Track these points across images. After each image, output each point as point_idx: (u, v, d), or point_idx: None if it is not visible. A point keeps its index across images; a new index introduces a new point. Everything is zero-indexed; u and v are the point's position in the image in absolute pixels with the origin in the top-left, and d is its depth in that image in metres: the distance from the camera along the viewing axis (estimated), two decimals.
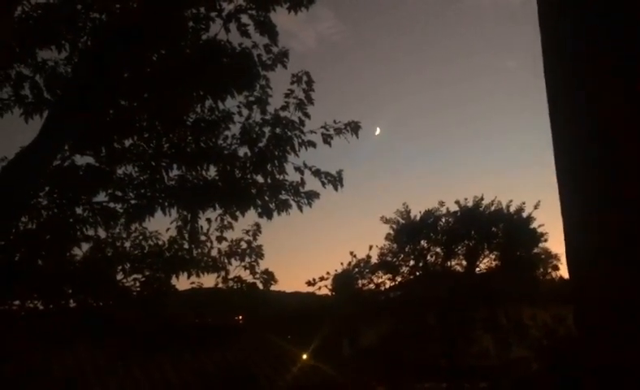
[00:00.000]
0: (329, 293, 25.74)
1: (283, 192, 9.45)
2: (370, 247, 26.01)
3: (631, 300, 1.86)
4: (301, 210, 9.51)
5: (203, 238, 10.19)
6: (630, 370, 1.83)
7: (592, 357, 2.02)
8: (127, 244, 10.31)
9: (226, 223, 10.08)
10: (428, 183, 60.64)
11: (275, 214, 9.44)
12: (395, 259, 26.57)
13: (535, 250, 26.16)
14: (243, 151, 9.50)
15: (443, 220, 26.51)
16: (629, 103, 1.97)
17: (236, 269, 10.41)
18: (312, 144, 9.37)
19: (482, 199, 25.97)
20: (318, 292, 25.33)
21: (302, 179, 9.47)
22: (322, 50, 57.69)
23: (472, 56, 57.32)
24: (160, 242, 10.27)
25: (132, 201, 9.51)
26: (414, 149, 61.73)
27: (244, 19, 8.66)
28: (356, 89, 60.23)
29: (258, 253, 10.42)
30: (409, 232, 26.21)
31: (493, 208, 25.95)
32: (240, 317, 17.44)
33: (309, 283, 24.81)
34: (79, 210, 9.37)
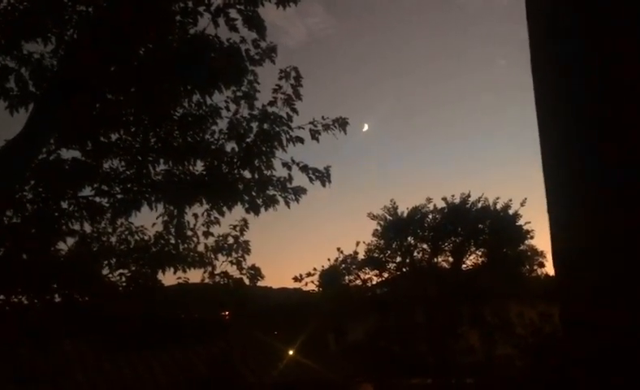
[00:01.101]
0: (316, 289, 25.77)
1: (271, 187, 9.45)
2: (357, 243, 26.06)
3: (618, 297, 1.86)
4: (288, 206, 9.52)
5: (189, 233, 10.17)
6: (616, 365, 1.83)
7: (578, 353, 2.02)
8: (113, 239, 10.28)
9: (212, 218, 10.07)
10: (416, 180, 60.79)
11: (262, 209, 9.44)
12: (381, 255, 26.63)
13: (521, 247, 26.30)
14: (230, 146, 9.50)
15: (430, 217, 26.60)
16: (615, 104, 1.97)
17: (223, 264, 10.41)
18: (300, 140, 9.37)
19: (468, 196, 26.10)
20: (305, 288, 25.38)
21: (290, 175, 9.48)
22: (312, 46, 57.62)
23: (462, 54, 57.47)
24: (146, 237, 10.25)
25: (118, 196, 9.47)
26: (402, 146, 61.82)
27: (233, 13, 8.62)
28: (345, 85, 60.28)
29: (245, 248, 10.42)
30: (396, 229, 26.27)
31: (480, 205, 26.07)
32: (227, 312, 17.43)
33: (296, 279, 24.87)
34: (64, 205, 9.33)
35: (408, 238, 26.55)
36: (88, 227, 9.78)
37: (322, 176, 9.43)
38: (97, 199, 9.42)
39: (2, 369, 12.60)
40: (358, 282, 26.52)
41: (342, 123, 9.43)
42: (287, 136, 9.33)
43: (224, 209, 9.62)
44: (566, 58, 2.18)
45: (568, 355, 2.07)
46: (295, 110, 9.32)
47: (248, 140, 9.35)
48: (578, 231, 2.05)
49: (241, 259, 10.39)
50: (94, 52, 7.61)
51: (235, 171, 9.39)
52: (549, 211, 2.21)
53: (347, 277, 26.23)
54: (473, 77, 57.75)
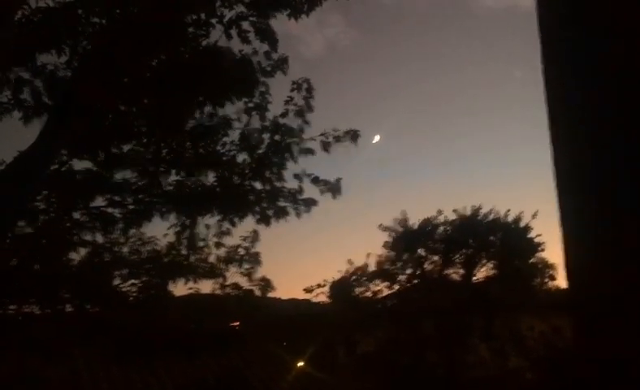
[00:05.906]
0: (326, 300, 25.63)
1: (281, 199, 9.47)
2: (368, 255, 25.88)
3: (631, 308, 1.86)
4: (299, 217, 9.52)
5: (201, 244, 10.20)
6: (630, 380, 1.83)
7: (590, 366, 2.02)
8: (125, 250, 10.32)
9: (224, 229, 10.09)
10: (427, 192, 60.32)
11: (273, 220, 9.46)
12: (392, 267, 26.47)
13: (532, 260, 26.08)
14: (241, 157, 9.52)
15: (441, 229, 26.41)
16: (628, 113, 1.97)
17: (234, 275, 10.43)
18: (310, 151, 9.39)
19: (480, 208, 25.91)
20: (315, 299, 25.24)
21: (300, 186, 9.49)
22: (331, 56, 57.27)
23: (477, 69, 56.96)
24: (158, 248, 10.27)
25: (130, 207, 9.50)
26: (414, 158, 61.34)
27: (245, 25, 8.65)
28: (361, 96, 59.79)
29: (256, 260, 10.43)
30: (407, 240, 26.11)
31: (491, 217, 25.91)
32: (236, 323, 17.43)
33: (307, 291, 24.75)
34: (76, 215, 9.38)
35: (419, 250, 26.39)
36: (100, 238, 9.83)
37: (333, 188, 9.43)
38: (109, 209, 9.46)
39: (13, 378, 12.63)
40: (368, 294, 26.36)
41: (353, 135, 9.44)
42: (299, 148, 9.35)
43: (235, 219, 9.65)
44: (579, 70, 2.19)
45: (581, 366, 2.06)
46: (306, 122, 9.35)
47: (259, 151, 9.38)
48: (590, 244, 2.05)
49: (252, 271, 10.42)
50: (107, 63, 7.65)
51: (247, 183, 9.41)
52: (561, 224, 2.21)
53: (357, 289, 26.08)
54: (487, 91, 57.34)
